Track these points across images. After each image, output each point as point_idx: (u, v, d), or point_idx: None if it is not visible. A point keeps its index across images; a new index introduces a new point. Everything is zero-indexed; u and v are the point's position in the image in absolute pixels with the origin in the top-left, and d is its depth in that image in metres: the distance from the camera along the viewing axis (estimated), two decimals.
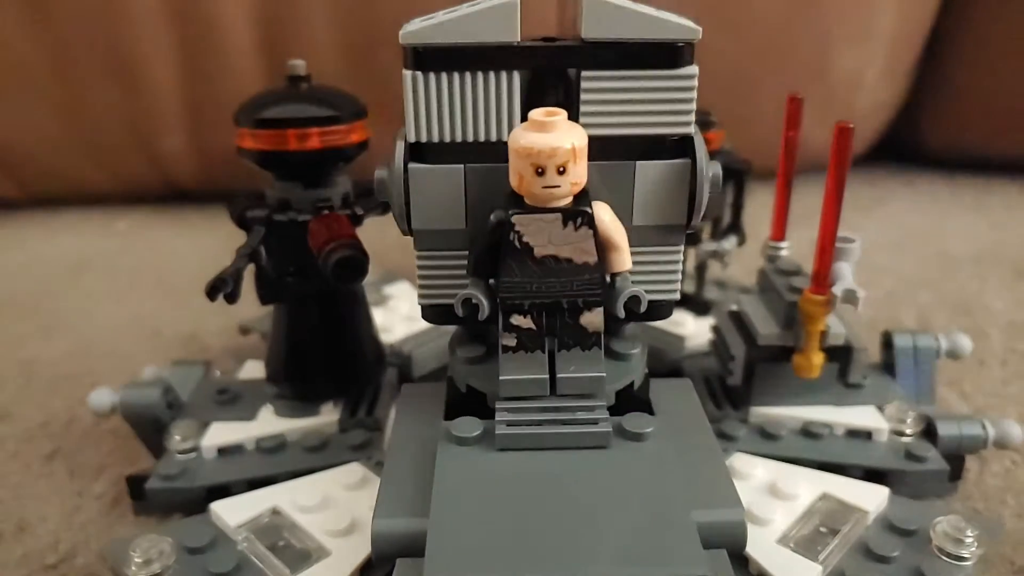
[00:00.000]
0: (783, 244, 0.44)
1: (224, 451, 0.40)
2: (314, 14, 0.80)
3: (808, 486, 0.35)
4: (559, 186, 0.27)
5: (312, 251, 0.36)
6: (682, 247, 0.32)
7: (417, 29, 0.28)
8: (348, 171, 0.42)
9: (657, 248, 0.32)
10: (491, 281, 0.30)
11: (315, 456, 0.40)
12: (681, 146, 0.30)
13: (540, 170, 0.27)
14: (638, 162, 0.30)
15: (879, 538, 0.32)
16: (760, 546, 0.32)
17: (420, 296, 0.33)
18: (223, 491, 0.38)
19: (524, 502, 0.27)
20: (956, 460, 0.39)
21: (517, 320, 0.30)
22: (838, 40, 0.87)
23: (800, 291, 0.39)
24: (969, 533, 0.31)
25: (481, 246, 0.30)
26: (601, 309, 0.30)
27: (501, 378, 0.30)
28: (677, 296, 0.33)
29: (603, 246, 0.29)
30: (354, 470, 0.37)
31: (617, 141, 0.30)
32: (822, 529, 0.33)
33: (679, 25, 0.29)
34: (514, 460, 0.29)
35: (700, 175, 0.30)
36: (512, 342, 0.30)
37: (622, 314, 0.30)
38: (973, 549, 0.31)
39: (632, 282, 0.30)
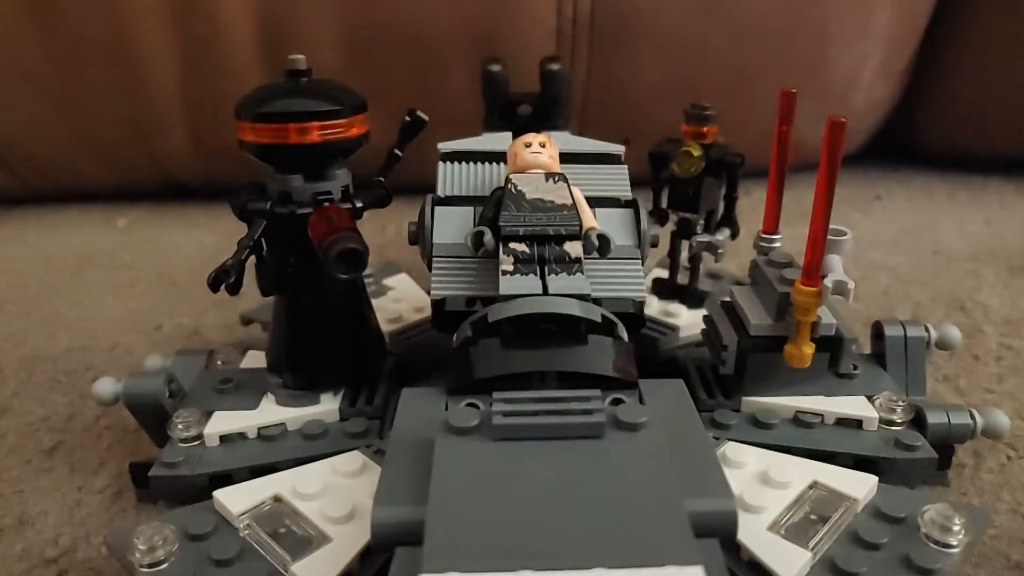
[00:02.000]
0: (775, 236, 0.44)
1: (226, 439, 0.40)
2: (314, 10, 0.80)
3: (799, 474, 0.36)
4: (540, 153, 0.41)
5: (312, 243, 0.37)
6: (639, 257, 0.42)
7: (449, 143, 0.47)
8: (348, 164, 0.42)
9: (621, 258, 0.42)
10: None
11: (316, 444, 0.40)
12: (629, 204, 0.44)
13: (528, 144, 0.42)
14: (597, 208, 0.43)
15: (868, 525, 0.33)
16: (751, 533, 0.32)
17: (433, 289, 0.41)
18: (226, 479, 0.38)
19: (520, 491, 0.28)
20: (945, 448, 0.40)
21: (514, 245, 0.38)
22: (835, 38, 0.87)
23: (792, 282, 0.39)
24: (956, 521, 0.32)
25: (485, 211, 0.41)
26: (579, 242, 0.38)
27: (501, 279, 0.37)
28: (643, 295, 0.41)
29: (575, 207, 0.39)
30: (354, 458, 0.38)
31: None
32: (812, 517, 0.34)
33: (610, 145, 0.47)
34: (511, 449, 0.30)
35: (642, 217, 0.43)
36: (510, 267, 0.38)
37: (596, 243, 0.39)
38: (960, 537, 0.32)
39: (605, 283, 0.40)
